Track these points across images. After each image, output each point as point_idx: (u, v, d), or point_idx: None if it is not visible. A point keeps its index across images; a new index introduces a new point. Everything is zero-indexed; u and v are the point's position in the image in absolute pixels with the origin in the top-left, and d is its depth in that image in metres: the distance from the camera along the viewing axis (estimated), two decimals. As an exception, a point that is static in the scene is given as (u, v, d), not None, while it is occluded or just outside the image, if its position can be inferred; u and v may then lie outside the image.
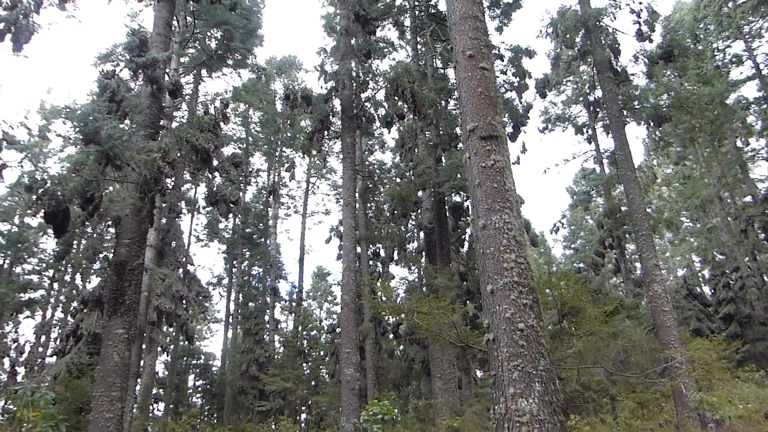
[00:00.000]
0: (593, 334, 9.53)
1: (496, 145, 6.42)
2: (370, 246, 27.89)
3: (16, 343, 32.83)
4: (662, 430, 13.65)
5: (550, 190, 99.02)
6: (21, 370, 31.27)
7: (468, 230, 24.25)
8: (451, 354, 17.51)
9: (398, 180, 25.44)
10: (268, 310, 34.13)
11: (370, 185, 25.87)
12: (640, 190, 19.13)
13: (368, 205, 27.25)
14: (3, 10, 18.14)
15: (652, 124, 22.44)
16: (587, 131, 28.64)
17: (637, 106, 21.85)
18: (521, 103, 22.06)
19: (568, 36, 22.65)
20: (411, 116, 19.68)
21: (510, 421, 5.10)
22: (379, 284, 25.30)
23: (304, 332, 36.65)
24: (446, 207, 21.47)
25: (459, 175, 17.97)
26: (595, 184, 30.91)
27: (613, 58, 21.51)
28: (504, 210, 6.05)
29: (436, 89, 19.63)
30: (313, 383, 30.85)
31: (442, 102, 21.55)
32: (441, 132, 20.77)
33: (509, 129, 21.03)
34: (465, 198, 22.90)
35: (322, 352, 33.60)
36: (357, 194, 20.37)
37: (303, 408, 30.71)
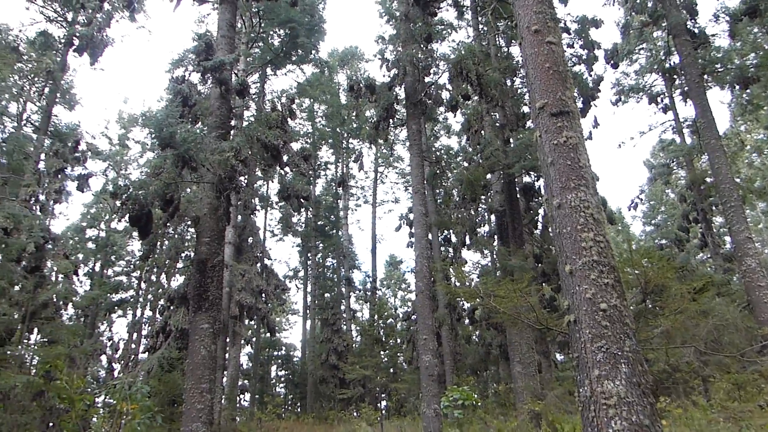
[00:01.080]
0: (681, 313, 9.06)
1: (567, 121, 6.18)
2: (441, 232, 27.75)
3: (111, 341, 35.10)
4: (763, 412, 12.86)
5: (626, 165, 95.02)
6: (117, 366, 33.38)
7: (541, 211, 23.67)
8: (529, 337, 17.19)
9: (466, 164, 25.11)
10: (343, 300, 34.74)
11: (438, 171, 25.68)
12: (727, 159, 17.95)
13: (437, 191, 27.10)
14: (80, 26, 19.24)
15: (737, 87, 21.01)
16: (663, 100, 27.21)
17: (719, 69, 20.49)
18: (591, 76, 21.20)
19: (638, 0, 21.49)
20: (476, 98, 19.33)
21: (596, 403, 4.93)
22: (452, 270, 25.17)
23: (380, 320, 37.03)
24: (517, 189, 21.02)
25: (529, 155, 17.52)
26: (675, 156, 29.34)
27: (689, 20, 20.26)
28: (579, 188, 5.83)
29: (501, 69, 19.17)
30: (391, 370, 31.14)
31: (507, 81, 21.04)
32: (507, 112, 20.30)
33: (579, 104, 20.26)
34: (536, 178, 22.33)
35: (398, 340, 33.85)
36: (425, 181, 20.25)
37: (383, 395, 31.10)
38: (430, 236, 23.60)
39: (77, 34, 18.85)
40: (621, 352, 5.01)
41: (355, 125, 36.05)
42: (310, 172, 33.02)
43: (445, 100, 20.75)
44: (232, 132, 13.98)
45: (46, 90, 21.16)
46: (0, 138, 19.14)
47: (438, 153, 30.15)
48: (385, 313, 38.23)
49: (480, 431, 16.04)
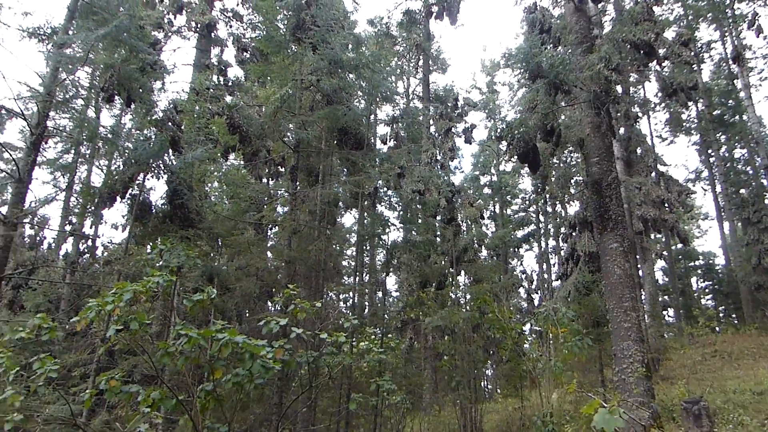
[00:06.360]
0: None
1: None
2: None
3: (524, 274, 37.91)
4: None
5: None
6: (534, 296, 35.92)
7: None
8: None
9: None
10: (766, 194, 29.54)
11: None
12: None
13: None
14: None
15: None
16: None
17: None
18: None
19: None
20: None
21: None
22: None
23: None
24: None
25: None
26: None
27: None
28: None
29: None
30: None
31: None
32: None
33: None
34: None
35: None
36: None
37: None
38: None
39: (433, 1, 20.53)
40: None
41: (738, -16, 29.75)
42: (693, 59, 28.81)
43: None
44: (596, 42, 13.18)
45: (420, 62, 23.75)
46: (399, 115, 22.31)
47: None
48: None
49: None
